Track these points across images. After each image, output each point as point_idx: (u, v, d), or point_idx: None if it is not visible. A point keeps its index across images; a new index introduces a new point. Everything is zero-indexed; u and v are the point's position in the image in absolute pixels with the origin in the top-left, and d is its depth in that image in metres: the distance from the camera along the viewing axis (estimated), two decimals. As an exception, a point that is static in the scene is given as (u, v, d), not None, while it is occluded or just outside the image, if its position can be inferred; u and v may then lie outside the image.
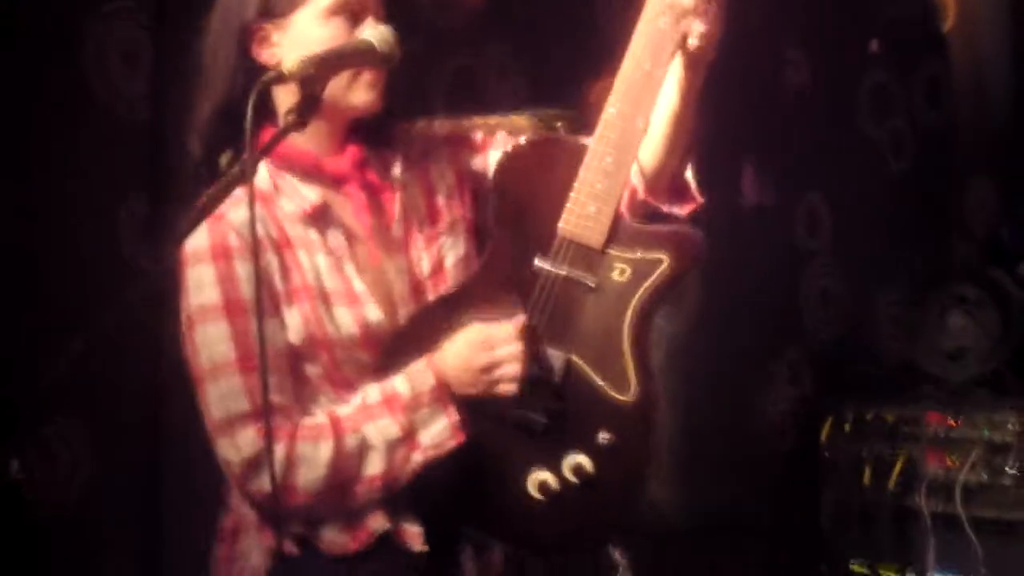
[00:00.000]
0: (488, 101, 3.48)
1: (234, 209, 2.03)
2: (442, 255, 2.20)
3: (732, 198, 4.10)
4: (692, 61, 2.04)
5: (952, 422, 3.77)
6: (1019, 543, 3.60)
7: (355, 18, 2.09)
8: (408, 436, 2.05)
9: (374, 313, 2.11)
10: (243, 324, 2.02)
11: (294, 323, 2.07)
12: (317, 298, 2.09)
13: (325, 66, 1.96)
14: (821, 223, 4.37)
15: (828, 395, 4.07)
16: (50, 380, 1.76)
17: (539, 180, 2.12)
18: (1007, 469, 3.64)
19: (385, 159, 2.21)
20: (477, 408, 2.07)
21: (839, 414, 3.96)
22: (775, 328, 4.15)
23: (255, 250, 1.91)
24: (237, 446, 2.01)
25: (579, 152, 2.07)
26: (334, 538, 2.08)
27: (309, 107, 1.94)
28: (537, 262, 2.09)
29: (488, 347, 2.05)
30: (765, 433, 4.11)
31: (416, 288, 2.17)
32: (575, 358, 2.06)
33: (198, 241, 2.03)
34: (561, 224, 2.07)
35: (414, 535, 2.08)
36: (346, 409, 2.08)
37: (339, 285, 2.11)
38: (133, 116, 2.97)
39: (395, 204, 2.19)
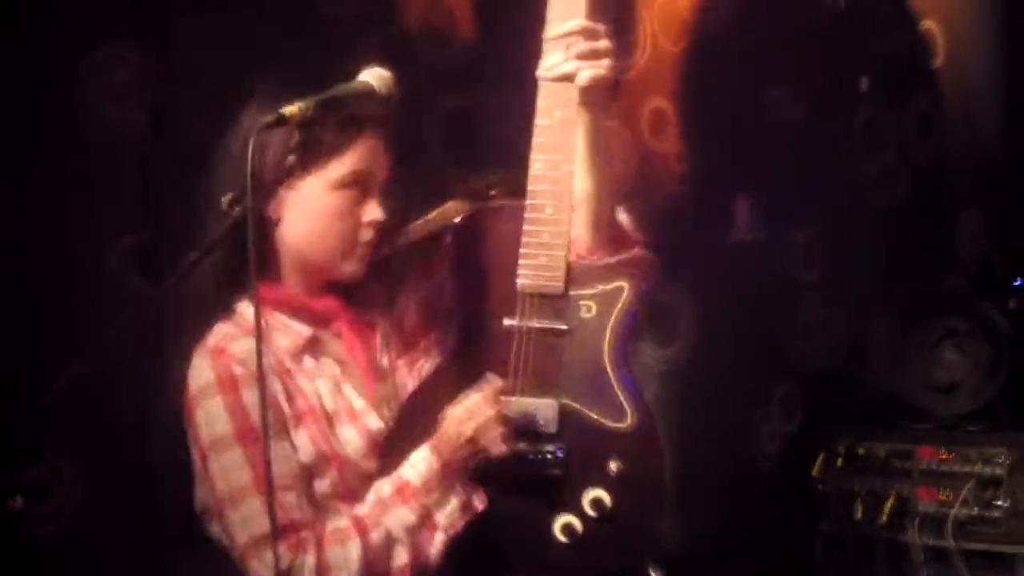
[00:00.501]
0: (488, 142, 3.51)
1: (234, 342, 2.14)
2: (423, 376, 2.29)
3: (725, 233, 4.12)
4: (588, 102, 2.16)
5: (944, 456, 3.79)
6: (1010, 575, 3.61)
7: (363, 191, 2.20)
8: (426, 519, 2.11)
9: (375, 423, 2.21)
10: (255, 448, 2.09)
11: (303, 444, 2.15)
12: (322, 419, 2.18)
13: (325, 109, 1.99)
14: (813, 257, 4.39)
15: (820, 429, 4.08)
16: (45, 405, 1.79)
17: (487, 248, 2.22)
18: (998, 502, 3.66)
19: (362, 302, 2.30)
20: (493, 473, 2.13)
21: (831, 448, 3.97)
22: (767, 362, 4.16)
23: (259, 332, 1.95)
24: (266, 564, 2.06)
25: (518, 211, 2.18)
26: None
27: (309, 149, 1.98)
28: (506, 322, 2.18)
29: (467, 419, 2.11)
30: (758, 466, 4.12)
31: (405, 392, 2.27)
32: (567, 401, 2.13)
33: (203, 378, 2.14)
34: (519, 280, 2.17)
35: None
36: (363, 508, 2.14)
37: (340, 405, 2.20)
38: (131, 150, 2.99)
39: (376, 339, 2.29)
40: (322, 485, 2.16)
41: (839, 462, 3.94)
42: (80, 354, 1.84)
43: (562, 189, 2.15)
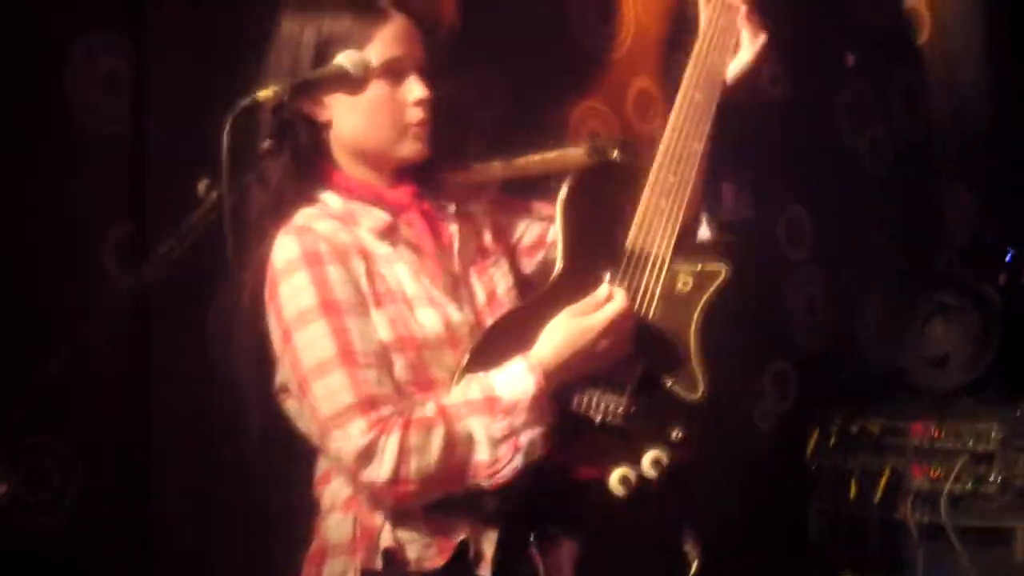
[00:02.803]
0: (475, 128, 3.50)
1: (318, 221, 2.19)
2: (494, 284, 2.33)
3: (713, 212, 4.11)
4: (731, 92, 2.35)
5: (936, 433, 3.80)
6: (1004, 550, 3.62)
7: (398, 77, 2.23)
8: (511, 435, 2.10)
9: (456, 314, 2.22)
10: (340, 322, 2.11)
11: (382, 324, 2.15)
12: (401, 301, 2.19)
13: (299, 92, 1.99)
14: (804, 234, 4.39)
15: (814, 406, 4.08)
16: (34, 393, 1.78)
17: (602, 205, 2.29)
18: (991, 478, 3.67)
19: (437, 197, 2.33)
20: (562, 413, 2.16)
21: (824, 426, 3.98)
22: (760, 341, 4.16)
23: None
24: (349, 436, 2.07)
25: (637, 177, 2.27)
26: (421, 553, 2.14)
27: (284, 132, 1.97)
28: (607, 277, 2.23)
29: (587, 322, 2.15)
30: (752, 445, 4.12)
31: (476, 316, 2.27)
32: (648, 364, 2.20)
33: (289, 253, 2.14)
34: (628, 241, 2.24)
35: (490, 544, 2.14)
36: (451, 400, 2.13)
37: (419, 290, 2.21)
38: (116, 139, 2.98)
39: (452, 238, 2.31)
40: (401, 370, 2.15)
41: (832, 440, 3.95)
42: (65, 344, 1.83)
43: (688, 163, 2.26)
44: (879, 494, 3.80)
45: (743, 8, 2.36)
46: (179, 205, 2.08)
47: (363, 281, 2.16)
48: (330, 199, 2.24)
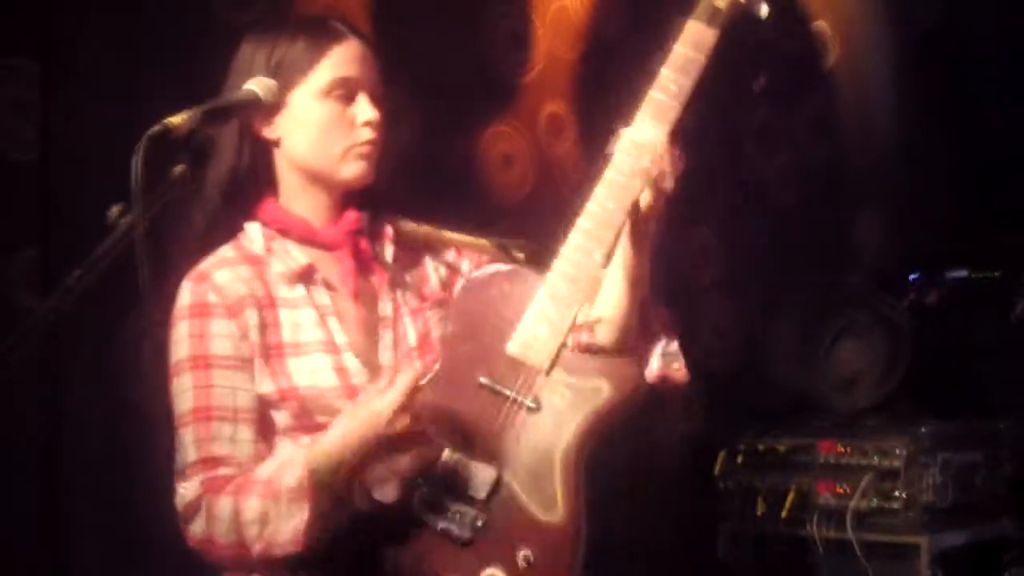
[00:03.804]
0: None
1: (218, 270, 2.18)
2: (428, 327, 2.28)
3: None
4: (643, 220, 2.10)
5: (842, 450, 3.85)
6: (909, 565, 3.68)
7: (349, 97, 2.22)
8: (266, 520, 2.07)
9: (352, 363, 2.19)
10: (205, 378, 2.13)
11: (266, 377, 2.16)
12: (296, 350, 2.18)
13: (209, 118, 2.00)
14: (713, 257, 4.44)
15: (722, 427, 4.12)
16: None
17: (494, 305, 2.16)
18: (896, 494, 3.73)
19: (377, 234, 2.31)
20: (400, 511, 2.06)
21: (732, 446, 4.02)
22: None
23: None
24: (181, 493, 2.11)
25: (535, 283, 2.12)
26: None
27: (196, 160, 1.98)
28: (482, 379, 2.10)
29: (375, 405, 2.03)
30: (661, 466, 4.15)
31: (399, 359, 2.24)
32: (506, 475, 2.06)
33: (183, 299, 2.17)
34: (509, 344, 2.10)
35: None
36: (262, 471, 2.12)
37: (321, 336, 2.19)
38: (24, 164, 2.97)
39: (384, 283, 2.28)
40: (283, 418, 2.16)
41: (740, 459, 3.99)
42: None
43: (585, 274, 2.09)
44: (786, 511, 3.84)
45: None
46: (88, 231, 2.08)
47: (252, 333, 2.16)
48: (253, 233, 2.23)
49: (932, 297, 4.41)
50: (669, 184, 2.07)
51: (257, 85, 2.12)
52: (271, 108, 2.15)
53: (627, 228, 2.10)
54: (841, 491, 3.78)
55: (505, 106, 3.94)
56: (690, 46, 2.14)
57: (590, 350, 2.15)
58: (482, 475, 2.06)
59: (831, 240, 4.74)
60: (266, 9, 3.30)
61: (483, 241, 2.36)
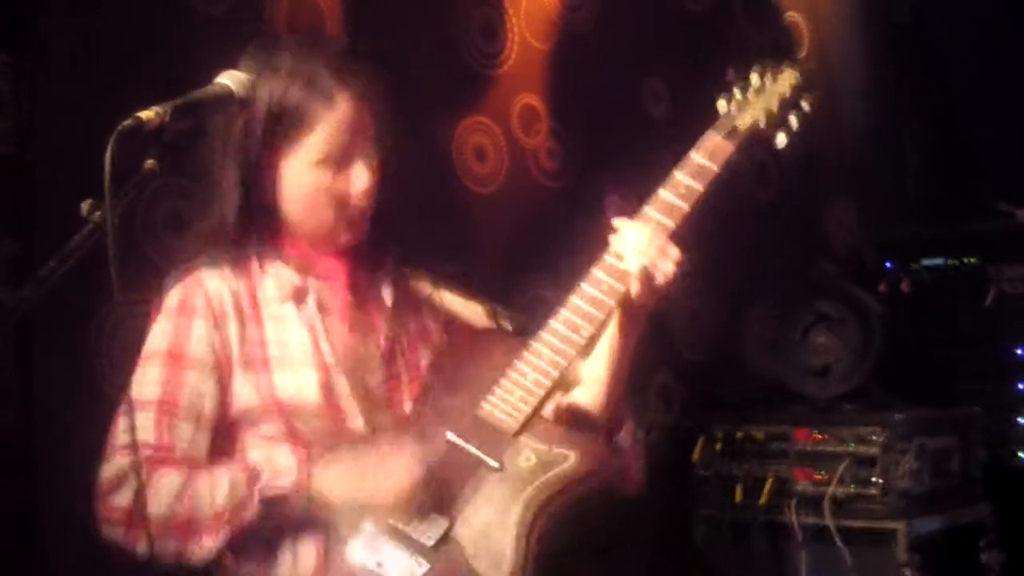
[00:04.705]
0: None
1: (211, 278, 2.21)
2: (419, 358, 2.30)
3: (596, 228, 4.16)
4: (632, 310, 2.16)
5: (819, 437, 3.87)
6: (886, 550, 3.70)
7: (341, 165, 2.20)
8: (252, 476, 2.11)
9: (341, 383, 2.21)
10: (177, 375, 2.16)
11: (247, 388, 2.18)
12: (281, 364, 2.19)
13: (182, 113, 1.98)
14: (687, 247, 4.44)
15: (699, 416, 4.14)
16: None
17: (474, 365, 2.20)
18: (873, 479, 3.75)
19: (373, 278, 2.32)
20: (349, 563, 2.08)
21: (710, 434, 4.03)
22: (644, 352, 4.20)
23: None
24: (114, 464, 2.12)
25: (517, 350, 2.15)
26: None
27: (168, 154, 1.97)
28: (449, 435, 2.13)
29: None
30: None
31: (390, 385, 2.26)
32: (458, 529, 2.06)
33: (172, 298, 2.20)
34: (483, 405, 2.13)
35: None
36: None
37: (310, 353, 2.21)
38: (1, 158, 2.96)
39: (380, 319, 2.29)
40: (266, 428, 2.18)
41: (718, 447, 4.00)
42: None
43: (567, 350, 2.12)
44: (764, 498, 3.86)
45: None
46: (67, 225, 2.08)
47: (232, 344, 2.19)
48: (251, 263, 2.24)
49: (906, 284, 4.43)
50: (661, 281, 2.12)
51: (230, 79, 2.09)
52: (243, 103, 2.13)
53: (616, 315, 2.16)
54: (819, 478, 3.81)
55: (479, 98, 3.94)
56: (706, 156, 2.21)
57: (562, 422, 2.17)
58: (434, 524, 2.07)
59: (805, 229, 4.76)
60: (239, 2, 3.30)
61: (477, 306, 2.38)
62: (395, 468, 2.10)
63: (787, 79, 2.28)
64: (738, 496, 3.93)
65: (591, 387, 2.23)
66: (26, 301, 1.94)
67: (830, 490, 3.77)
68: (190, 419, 2.15)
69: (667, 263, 2.13)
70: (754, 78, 2.27)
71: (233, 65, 2.14)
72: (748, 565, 3.92)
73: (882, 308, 4.16)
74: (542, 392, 2.11)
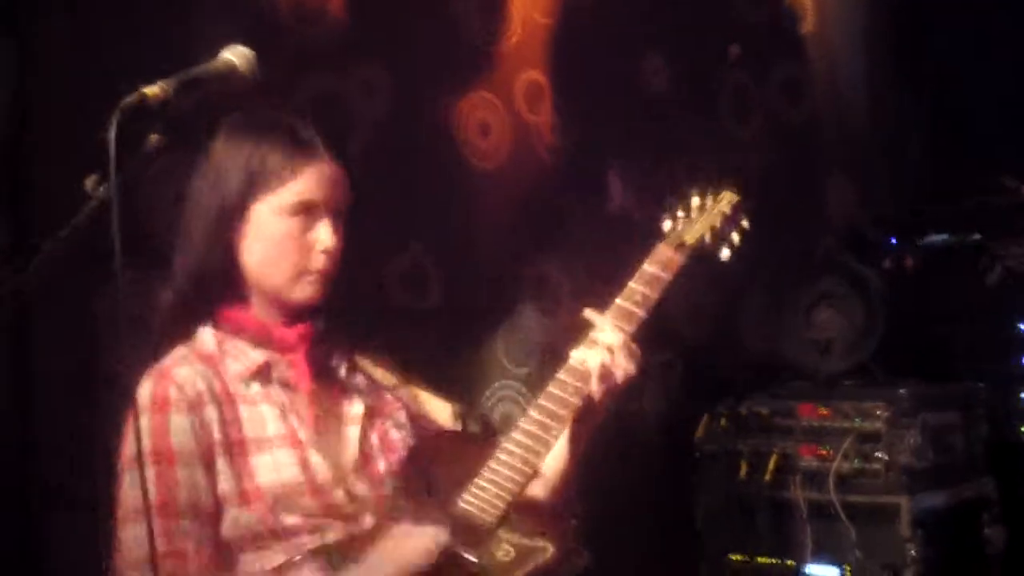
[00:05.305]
0: (355, 123, 3.50)
1: (177, 366, 2.20)
2: (386, 428, 2.34)
3: (598, 203, 4.16)
4: (592, 406, 2.29)
5: (824, 412, 3.88)
6: (890, 526, 3.71)
7: (311, 218, 2.23)
8: None
9: (316, 459, 2.22)
10: (169, 473, 2.13)
11: (227, 475, 2.17)
12: (258, 447, 2.19)
13: (185, 88, 1.97)
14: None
15: (703, 392, 4.14)
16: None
17: (446, 464, 2.28)
18: (877, 455, 3.75)
19: (332, 353, 2.34)
20: None
21: (714, 411, 4.04)
22: (646, 330, 4.20)
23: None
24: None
25: (488, 449, 2.25)
26: None
27: (172, 130, 1.96)
28: (431, 534, 2.16)
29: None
30: (641, 434, 4.16)
31: (364, 458, 2.29)
32: None
33: (143, 396, 2.17)
34: (460, 501, 2.20)
35: None
36: None
37: (283, 431, 2.22)
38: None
39: (341, 389, 2.32)
40: (245, 520, 2.16)
41: (722, 423, 4.01)
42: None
43: (540, 447, 2.24)
44: (768, 474, 3.86)
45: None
46: (62, 201, 2.07)
47: (214, 428, 2.18)
48: (205, 336, 2.25)
49: (910, 261, 4.43)
50: (620, 380, 2.28)
51: (234, 55, 2.07)
52: (248, 80, 2.11)
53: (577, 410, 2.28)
54: (823, 453, 3.81)
55: (482, 74, 3.92)
56: (658, 266, 2.40)
57: (527, 513, 2.23)
58: None
59: (806, 206, 4.75)
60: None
61: (445, 405, 2.42)
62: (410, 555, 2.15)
63: (727, 200, 2.49)
64: (743, 472, 3.93)
65: (551, 479, 2.34)
66: (30, 279, 1.94)
67: (834, 466, 3.77)
68: (189, 517, 2.13)
69: (628, 364, 2.28)
70: (695, 199, 2.48)
71: (235, 41, 2.13)
72: (752, 541, 3.93)
73: (885, 284, 4.16)
74: (517, 488, 2.21)
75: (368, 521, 2.21)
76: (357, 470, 2.26)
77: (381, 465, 2.29)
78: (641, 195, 4.21)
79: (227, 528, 2.16)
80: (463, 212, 3.80)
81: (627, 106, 4.22)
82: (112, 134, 1.83)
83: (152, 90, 1.92)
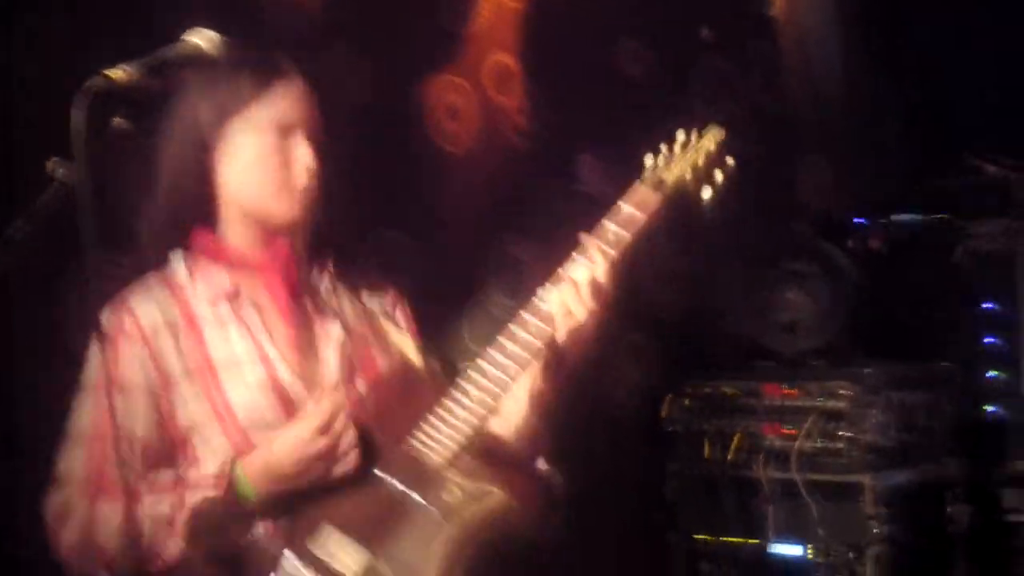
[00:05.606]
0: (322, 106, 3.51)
1: (135, 296, 2.24)
2: (367, 350, 2.35)
3: (568, 186, 4.17)
4: (557, 350, 2.22)
5: (789, 392, 3.90)
6: (853, 504, 3.73)
7: (287, 135, 2.25)
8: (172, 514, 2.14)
9: (287, 376, 2.24)
10: (104, 402, 2.17)
11: (194, 399, 2.21)
12: (226, 365, 2.23)
13: (151, 71, 1.99)
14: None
15: (669, 372, 4.15)
16: None
17: (401, 402, 2.25)
18: (840, 433, 3.78)
19: (312, 269, 2.36)
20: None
21: (679, 389, 4.07)
22: (616, 309, 4.22)
23: None
24: (57, 501, 2.20)
25: (444, 389, 2.21)
26: None
27: (137, 112, 1.98)
28: (377, 471, 2.18)
29: (298, 429, 2.15)
30: (610, 412, 4.18)
31: (346, 372, 2.31)
32: (380, 563, 2.11)
33: (102, 324, 2.19)
34: (410, 440, 2.18)
35: None
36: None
37: (251, 349, 2.24)
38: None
39: (319, 307, 2.34)
40: (219, 441, 2.20)
41: (687, 402, 4.04)
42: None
43: (497, 388, 2.18)
44: (732, 453, 3.90)
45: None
46: (26, 183, 2.09)
47: (171, 358, 2.22)
48: (176, 263, 2.29)
49: (876, 241, 4.45)
50: (583, 318, 2.18)
51: (200, 38, 2.09)
52: (213, 62, 2.13)
53: (543, 355, 2.21)
54: (787, 432, 3.84)
55: (451, 56, 3.93)
56: (634, 206, 2.29)
57: (480, 454, 2.20)
58: (354, 556, 2.11)
59: (776, 187, 4.76)
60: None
61: (409, 340, 2.39)
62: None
63: (712, 137, 2.37)
64: (706, 451, 3.96)
65: (509, 420, 2.28)
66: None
67: (797, 444, 3.79)
68: (123, 445, 2.16)
69: (592, 302, 2.19)
70: (680, 135, 2.36)
71: (206, 23, 2.15)
72: (719, 521, 3.95)
73: (852, 265, 4.19)
74: (469, 429, 2.17)
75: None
76: (335, 389, 2.27)
77: (360, 386, 2.30)
78: (612, 179, 4.21)
79: (198, 447, 2.20)
80: (431, 194, 3.81)
81: (598, 89, 4.23)
82: (76, 116, 1.86)
83: (117, 73, 1.94)
